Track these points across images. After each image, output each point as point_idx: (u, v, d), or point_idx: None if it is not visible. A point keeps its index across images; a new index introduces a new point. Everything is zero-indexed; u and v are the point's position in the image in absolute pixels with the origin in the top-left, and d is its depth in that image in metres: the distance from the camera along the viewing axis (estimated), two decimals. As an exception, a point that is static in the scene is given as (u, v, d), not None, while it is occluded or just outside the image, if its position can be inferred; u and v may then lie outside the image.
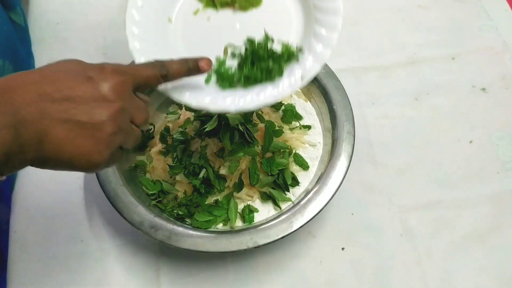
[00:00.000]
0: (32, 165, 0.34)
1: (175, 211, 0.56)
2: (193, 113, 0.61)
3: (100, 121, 0.34)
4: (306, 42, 0.49)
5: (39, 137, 0.32)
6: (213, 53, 0.49)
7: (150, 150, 0.62)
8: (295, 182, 0.59)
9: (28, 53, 0.69)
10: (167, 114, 0.66)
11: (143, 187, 0.58)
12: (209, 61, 0.43)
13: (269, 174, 0.58)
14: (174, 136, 0.60)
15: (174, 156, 0.59)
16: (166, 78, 0.41)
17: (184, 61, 0.42)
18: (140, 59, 0.48)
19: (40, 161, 0.34)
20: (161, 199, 0.57)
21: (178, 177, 0.57)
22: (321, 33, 0.48)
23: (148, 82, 0.40)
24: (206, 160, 0.57)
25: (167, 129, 0.62)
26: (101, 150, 0.35)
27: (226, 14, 0.53)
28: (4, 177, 0.33)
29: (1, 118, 0.31)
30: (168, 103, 0.67)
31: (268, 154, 0.59)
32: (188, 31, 0.52)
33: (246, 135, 0.56)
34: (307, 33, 0.50)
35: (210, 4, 0.53)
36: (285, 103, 0.65)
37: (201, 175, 0.56)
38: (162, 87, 0.45)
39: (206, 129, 0.57)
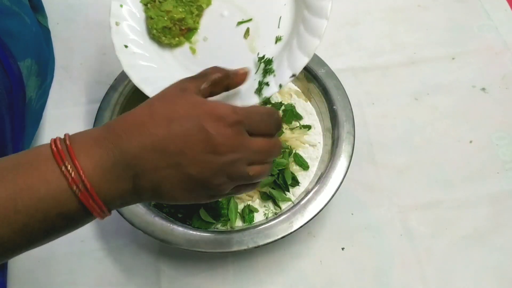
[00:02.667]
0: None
1: (175, 213, 0.56)
2: None
3: (208, 175, 0.34)
4: (294, 31, 0.49)
5: (154, 187, 0.34)
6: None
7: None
8: (295, 182, 0.59)
9: (50, 55, 0.70)
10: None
11: None
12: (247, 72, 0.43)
13: (269, 174, 0.58)
14: None
15: None
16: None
17: (224, 72, 0.41)
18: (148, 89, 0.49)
19: (154, 200, 0.37)
20: None
21: None
22: (310, 20, 0.48)
23: (263, 134, 0.38)
24: None
25: None
26: (208, 196, 0.37)
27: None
28: (110, 214, 0.35)
29: (125, 173, 0.33)
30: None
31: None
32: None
33: None
34: (296, 21, 0.50)
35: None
36: (285, 103, 0.65)
37: None
38: None
39: None
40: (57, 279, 0.57)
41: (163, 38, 0.52)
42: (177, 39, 0.52)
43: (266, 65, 0.49)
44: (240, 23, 0.52)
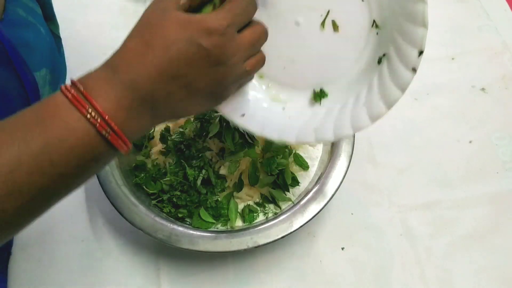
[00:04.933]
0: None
1: (175, 213, 0.56)
2: None
3: (216, 83, 0.37)
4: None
5: (171, 112, 0.37)
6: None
7: (150, 150, 0.62)
8: (295, 182, 0.59)
9: (62, 63, 0.71)
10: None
11: (144, 186, 0.58)
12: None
13: (269, 174, 0.58)
14: (173, 137, 0.59)
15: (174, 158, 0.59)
16: None
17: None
18: None
19: (171, 119, 0.41)
20: (161, 198, 0.57)
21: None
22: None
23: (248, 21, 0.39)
24: (206, 162, 0.57)
25: (167, 129, 0.62)
26: (217, 102, 0.40)
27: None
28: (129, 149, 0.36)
29: (141, 108, 0.35)
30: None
31: (268, 154, 0.59)
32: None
33: (247, 136, 0.56)
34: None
35: None
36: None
37: (201, 177, 0.56)
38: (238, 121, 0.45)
39: (210, 135, 0.57)
40: (57, 279, 0.57)
41: None
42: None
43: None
44: (322, 23, 0.43)
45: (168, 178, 0.56)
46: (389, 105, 0.43)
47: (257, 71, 0.41)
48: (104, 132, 0.33)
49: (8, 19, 0.53)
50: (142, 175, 0.57)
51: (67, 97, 0.33)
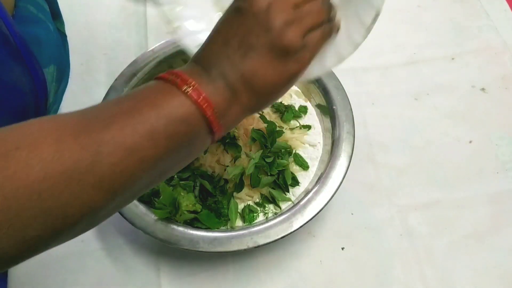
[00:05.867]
0: (255, 109, 0.39)
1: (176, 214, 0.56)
2: None
3: (265, 34, 0.36)
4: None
5: (240, 78, 0.36)
6: None
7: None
8: (295, 182, 0.59)
9: (67, 60, 0.72)
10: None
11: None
12: None
13: (269, 174, 0.58)
14: None
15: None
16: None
17: None
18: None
19: (257, 98, 0.37)
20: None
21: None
22: None
23: None
24: (203, 175, 0.57)
25: None
26: (287, 55, 0.37)
27: None
28: (223, 134, 0.37)
29: (212, 73, 0.36)
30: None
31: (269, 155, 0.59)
32: None
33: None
34: None
35: None
36: (285, 104, 0.65)
37: (197, 188, 0.57)
38: None
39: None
40: (57, 279, 0.57)
41: None
42: None
43: None
44: None
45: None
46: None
47: (325, 17, 0.40)
48: (209, 114, 0.34)
49: (19, 15, 0.53)
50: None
51: (172, 82, 0.34)
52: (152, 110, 0.33)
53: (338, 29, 0.43)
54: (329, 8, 0.41)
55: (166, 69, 0.66)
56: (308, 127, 0.64)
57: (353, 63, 0.74)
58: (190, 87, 0.34)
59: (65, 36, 0.73)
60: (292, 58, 0.37)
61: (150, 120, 0.32)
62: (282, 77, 0.38)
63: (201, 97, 0.34)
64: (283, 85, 0.38)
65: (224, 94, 0.36)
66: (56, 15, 0.69)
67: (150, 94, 0.34)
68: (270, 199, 0.58)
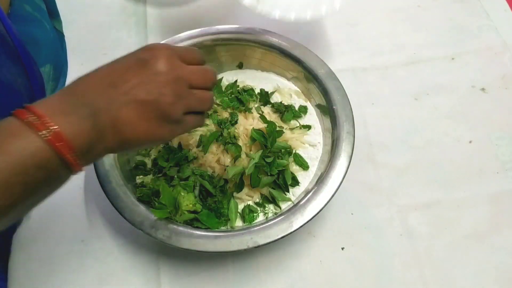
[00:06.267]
0: (116, 151, 0.39)
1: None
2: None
3: (156, 95, 0.38)
4: None
5: (113, 122, 0.37)
6: None
7: (150, 150, 0.62)
8: (295, 182, 0.59)
9: (65, 59, 0.72)
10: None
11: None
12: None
13: (269, 174, 0.58)
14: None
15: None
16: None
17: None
18: None
19: (121, 144, 0.38)
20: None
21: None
22: None
23: (193, 60, 0.43)
24: (203, 175, 0.57)
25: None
26: (164, 121, 0.39)
27: None
28: (83, 170, 0.37)
29: (81, 111, 0.35)
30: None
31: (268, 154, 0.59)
32: None
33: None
34: None
35: None
36: (285, 104, 0.65)
37: (197, 188, 0.57)
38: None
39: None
40: (57, 279, 0.57)
41: None
42: None
43: None
44: None
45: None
46: None
47: (205, 108, 0.43)
48: (68, 156, 0.34)
49: (15, 14, 0.53)
50: (144, 190, 0.57)
51: (30, 125, 0.33)
52: (5, 157, 0.32)
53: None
54: (213, 101, 0.45)
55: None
56: (308, 127, 0.64)
57: (353, 63, 0.74)
58: (50, 131, 0.33)
59: (63, 35, 0.73)
60: (166, 125, 0.39)
61: (2, 170, 0.31)
62: (150, 136, 0.39)
63: (62, 142, 0.33)
64: (147, 143, 0.40)
65: (90, 136, 0.36)
66: (53, 14, 0.69)
67: (2, 138, 0.33)
68: (270, 199, 0.58)
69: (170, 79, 0.39)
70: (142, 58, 0.39)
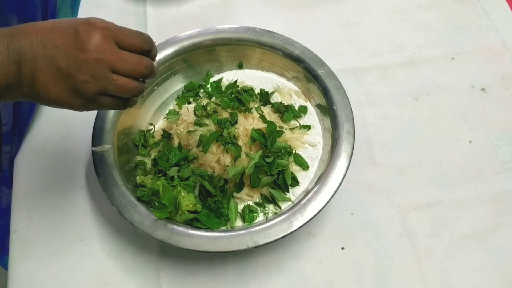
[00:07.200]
0: (29, 100, 0.42)
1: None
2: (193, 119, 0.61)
3: (74, 69, 0.39)
4: None
5: (32, 77, 0.39)
6: None
7: (150, 150, 0.62)
8: (295, 182, 0.59)
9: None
10: (166, 114, 0.67)
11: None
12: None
13: (269, 174, 0.58)
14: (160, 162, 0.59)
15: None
16: (150, 54, 0.44)
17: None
18: None
19: (34, 97, 0.41)
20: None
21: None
22: None
23: (132, 47, 0.43)
24: (203, 175, 0.57)
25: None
26: (76, 94, 0.41)
27: None
28: None
29: (11, 57, 0.38)
30: (167, 103, 0.67)
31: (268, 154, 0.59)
32: None
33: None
34: None
35: None
36: (285, 104, 0.65)
37: (197, 188, 0.57)
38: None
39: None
40: (57, 279, 0.57)
41: None
42: None
43: None
44: None
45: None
46: None
47: (125, 95, 0.43)
48: None
49: None
50: (144, 190, 0.57)
51: None
52: None
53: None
54: (142, 89, 0.44)
55: (166, 69, 0.66)
56: (308, 127, 0.64)
57: (353, 63, 0.74)
58: None
59: None
60: (77, 98, 0.41)
61: None
62: (59, 102, 0.41)
63: None
64: (58, 106, 0.42)
65: (10, 79, 0.39)
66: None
67: None
68: (270, 199, 0.58)
69: (92, 58, 0.40)
70: (79, 30, 0.40)
